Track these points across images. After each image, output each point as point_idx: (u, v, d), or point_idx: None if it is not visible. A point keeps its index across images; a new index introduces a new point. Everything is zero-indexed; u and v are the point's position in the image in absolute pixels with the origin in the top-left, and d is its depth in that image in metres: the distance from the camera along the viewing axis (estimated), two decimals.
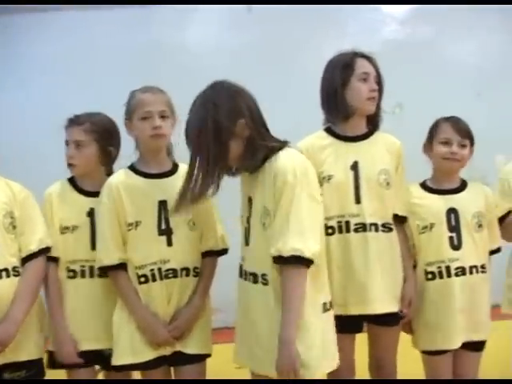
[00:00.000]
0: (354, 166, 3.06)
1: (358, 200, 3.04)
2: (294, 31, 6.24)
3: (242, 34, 6.28)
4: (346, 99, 3.08)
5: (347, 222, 3.04)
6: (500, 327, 3.47)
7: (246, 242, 2.72)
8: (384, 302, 3.07)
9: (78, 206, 3.12)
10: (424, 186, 3.27)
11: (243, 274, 2.74)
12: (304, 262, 2.52)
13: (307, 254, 2.50)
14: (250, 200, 2.70)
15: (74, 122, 3.13)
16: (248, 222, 2.71)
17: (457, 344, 3.13)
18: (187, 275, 2.97)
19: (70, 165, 3.14)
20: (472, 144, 3.22)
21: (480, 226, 3.17)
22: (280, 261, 2.53)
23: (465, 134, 3.17)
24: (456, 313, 3.10)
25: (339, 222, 3.04)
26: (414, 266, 3.23)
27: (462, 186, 3.26)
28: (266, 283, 2.62)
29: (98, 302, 3.10)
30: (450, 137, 3.16)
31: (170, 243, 2.93)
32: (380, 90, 3.16)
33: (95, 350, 3.10)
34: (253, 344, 2.68)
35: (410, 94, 6.24)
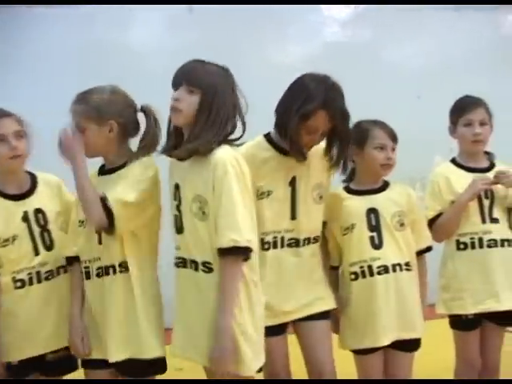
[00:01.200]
0: (292, 182, 3.03)
1: (293, 216, 3.04)
2: (236, 32, 6.24)
3: (183, 34, 6.26)
4: None
5: (282, 238, 3.04)
6: (441, 325, 3.54)
7: (179, 230, 2.71)
8: (315, 304, 3.09)
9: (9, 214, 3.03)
10: (348, 189, 3.31)
11: (181, 262, 2.72)
12: (241, 251, 2.54)
13: (244, 243, 2.52)
14: (177, 187, 2.71)
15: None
16: (178, 209, 2.70)
17: (383, 342, 3.13)
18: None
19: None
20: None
21: (402, 224, 3.18)
22: (221, 252, 2.54)
23: (395, 137, 3.22)
24: (381, 311, 3.11)
25: (275, 238, 3.03)
26: (334, 267, 3.28)
27: (384, 186, 3.27)
28: (208, 271, 2.61)
29: (51, 304, 3.03)
30: (385, 142, 3.20)
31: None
32: None
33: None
34: (191, 333, 2.67)
35: (351, 96, 6.29)
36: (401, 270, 3.16)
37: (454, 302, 3.36)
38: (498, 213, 3.39)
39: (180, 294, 2.75)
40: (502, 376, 3.50)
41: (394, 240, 3.16)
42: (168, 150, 2.75)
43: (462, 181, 3.39)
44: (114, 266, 2.82)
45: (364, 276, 3.14)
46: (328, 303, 3.13)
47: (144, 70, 5.72)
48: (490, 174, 3.40)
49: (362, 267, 3.15)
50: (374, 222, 3.17)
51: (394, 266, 3.14)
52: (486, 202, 3.39)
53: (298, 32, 6.47)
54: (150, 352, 2.81)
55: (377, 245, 3.15)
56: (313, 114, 2.87)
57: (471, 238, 3.36)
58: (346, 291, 3.21)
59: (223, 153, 2.60)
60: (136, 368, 2.82)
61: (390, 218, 3.17)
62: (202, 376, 2.77)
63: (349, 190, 3.29)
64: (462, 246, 3.37)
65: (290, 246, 3.03)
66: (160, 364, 2.86)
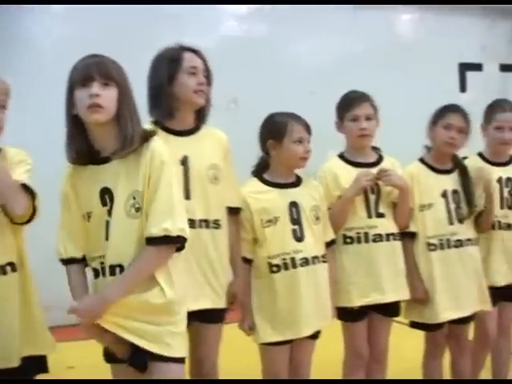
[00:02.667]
0: (184, 161, 3.01)
1: (187, 196, 2.99)
2: (131, 28, 6.15)
3: (84, 30, 6.11)
4: (174, 93, 3.02)
5: None
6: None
7: (106, 237, 2.52)
8: (208, 299, 3.05)
9: None
10: (263, 180, 3.32)
11: (104, 271, 2.52)
12: (173, 240, 2.46)
13: (175, 232, 2.44)
14: (106, 191, 2.52)
15: None
16: (109, 214, 2.52)
17: (306, 333, 3.19)
18: None
19: None
20: None
21: (317, 218, 3.28)
22: (150, 242, 2.45)
23: (309, 130, 3.28)
24: (302, 302, 3.16)
25: None
26: (247, 260, 3.26)
27: (298, 181, 3.34)
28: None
29: None
30: (303, 135, 3.24)
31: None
32: (209, 84, 3.15)
33: None
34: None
35: (246, 90, 6.34)
36: (319, 261, 3.23)
37: (340, 294, 3.42)
38: (383, 208, 3.46)
39: None
40: (391, 366, 3.59)
41: (313, 233, 3.23)
42: (89, 156, 2.56)
43: (349, 176, 3.43)
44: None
45: (287, 268, 3.17)
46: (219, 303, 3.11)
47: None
48: (376, 170, 3.46)
49: (284, 259, 3.18)
50: (295, 216, 3.21)
51: (313, 258, 3.20)
52: (372, 198, 3.45)
53: (194, 27, 6.44)
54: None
55: (299, 237, 3.20)
56: (180, 56, 3.04)
57: (357, 233, 3.42)
58: (265, 283, 3.22)
59: (156, 143, 2.53)
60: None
61: (308, 211, 3.24)
62: (93, 374, 2.71)
63: (265, 182, 3.31)
64: (348, 241, 3.43)
65: None
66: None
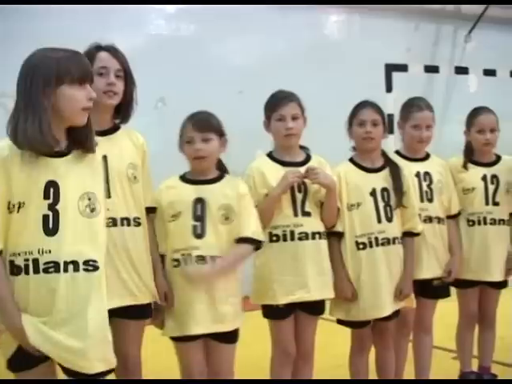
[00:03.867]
0: (103, 161, 2.93)
1: (108, 194, 2.97)
2: (57, 26, 6.05)
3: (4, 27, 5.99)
4: None
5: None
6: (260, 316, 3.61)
7: (54, 232, 2.42)
8: (129, 296, 3.05)
9: None
10: (182, 176, 3.33)
11: (36, 268, 2.40)
12: None
13: None
14: (51, 185, 2.44)
15: None
16: (50, 209, 2.43)
17: (196, 331, 3.16)
18: None
19: None
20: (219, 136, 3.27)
21: (227, 218, 3.24)
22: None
23: (202, 128, 3.20)
24: (196, 300, 3.15)
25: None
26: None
27: (218, 177, 3.31)
28: (93, 269, 2.45)
29: None
30: (192, 135, 3.20)
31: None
32: (128, 84, 3.10)
33: None
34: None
35: (174, 89, 6.32)
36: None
37: (266, 292, 3.44)
38: (310, 206, 3.48)
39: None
40: (318, 362, 3.63)
41: (216, 232, 3.20)
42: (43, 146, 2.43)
43: (277, 174, 3.45)
44: None
45: (185, 263, 3.17)
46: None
47: None
48: (303, 169, 3.49)
49: (183, 255, 3.18)
50: (199, 212, 3.20)
51: (212, 257, 3.17)
52: (299, 196, 3.47)
53: (121, 25, 6.39)
54: None
55: (198, 234, 3.18)
56: (93, 56, 3.06)
57: (283, 231, 3.43)
58: (171, 279, 3.22)
59: None
60: None
61: (215, 209, 3.21)
62: None
63: (181, 177, 3.32)
64: (274, 238, 3.44)
65: (107, 225, 2.84)
66: None
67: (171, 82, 6.28)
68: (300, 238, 3.42)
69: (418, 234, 3.71)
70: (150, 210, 3.22)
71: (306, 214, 3.47)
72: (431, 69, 8.39)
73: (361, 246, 3.56)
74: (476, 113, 4.13)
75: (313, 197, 3.49)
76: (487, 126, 4.05)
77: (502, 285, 4.15)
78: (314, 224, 3.47)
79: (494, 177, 4.08)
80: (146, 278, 3.12)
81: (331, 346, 3.58)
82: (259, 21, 7.08)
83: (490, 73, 8.78)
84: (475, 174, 4.09)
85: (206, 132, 3.21)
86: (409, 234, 3.68)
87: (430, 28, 8.43)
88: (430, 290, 3.85)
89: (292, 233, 3.43)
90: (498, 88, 8.72)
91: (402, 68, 8.07)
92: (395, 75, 8.00)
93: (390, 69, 7.99)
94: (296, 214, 3.45)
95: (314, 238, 3.45)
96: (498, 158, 4.16)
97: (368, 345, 3.76)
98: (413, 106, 3.93)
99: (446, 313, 4.20)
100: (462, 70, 8.63)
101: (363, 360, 3.75)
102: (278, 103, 3.49)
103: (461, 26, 8.67)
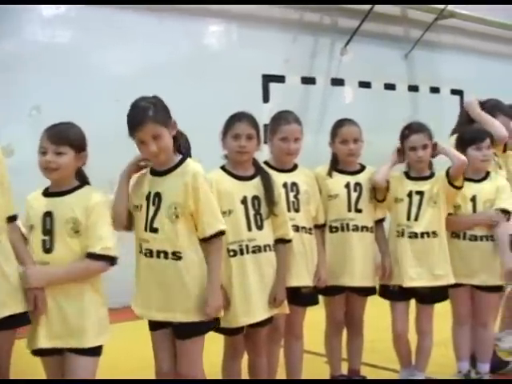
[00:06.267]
0: None
1: None
2: None
3: None
4: None
5: None
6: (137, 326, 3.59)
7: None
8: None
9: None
10: (45, 190, 3.28)
11: None
12: None
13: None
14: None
15: None
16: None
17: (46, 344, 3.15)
18: None
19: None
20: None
21: (77, 232, 3.17)
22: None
23: (53, 140, 3.18)
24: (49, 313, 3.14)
25: None
26: None
27: (73, 189, 3.24)
28: None
29: None
30: (47, 147, 3.15)
31: None
32: None
33: None
34: None
35: (50, 97, 6.21)
36: None
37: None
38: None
39: None
40: None
41: (67, 246, 3.17)
42: None
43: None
44: None
45: None
46: None
47: None
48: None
49: None
50: (48, 226, 3.18)
51: None
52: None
53: None
54: None
55: (47, 249, 3.16)
56: None
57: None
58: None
59: None
60: None
61: (63, 223, 3.17)
62: None
63: (44, 190, 3.31)
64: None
65: None
66: None
67: (47, 89, 6.17)
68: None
69: (289, 241, 3.79)
70: (11, 219, 3.17)
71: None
72: (308, 80, 8.61)
73: (231, 254, 3.61)
74: (339, 124, 4.27)
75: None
76: (350, 137, 4.19)
77: (369, 291, 4.29)
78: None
79: (358, 185, 4.22)
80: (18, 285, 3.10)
81: (206, 354, 3.62)
82: (138, 29, 7.06)
83: (365, 85, 9.12)
84: (339, 181, 4.22)
85: (60, 145, 3.17)
86: (281, 241, 3.76)
87: (307, 40, 8.64)
88: (299, 298, 3.94)
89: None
90: (372, 100, 9.06)
91: (280, 79, 8.24)
92: (272, 86, 8.15)
93: (268, 79, 8.13)
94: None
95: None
96: (363, 168, 4.31)
97: (241, 351, 3.82)
98: (281, 119, 4.03)
99: (319, 318, 4.33)
100: (337, 82, 8.91)
101: (236, 366, 3.81)
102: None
103: (337, 39, 8.96)
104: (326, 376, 4.38)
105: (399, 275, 4.22)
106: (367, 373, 4.46)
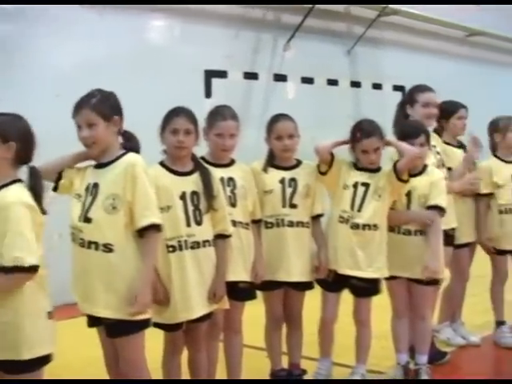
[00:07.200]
0: None
1: None
2: None
3: None
4: None
5: None
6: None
7: None
8: None
9: None
10: None
11: None
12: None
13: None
14: None
15: None
16: None
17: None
18: None
19: None
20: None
21: None
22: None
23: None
24: None
25: None
26: None
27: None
28: None
29: None
30: None
31: None
32: None
33: None
34: None
35: None
36: None
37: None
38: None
39: None
40: None
41: None
42: None
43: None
44: None
45: None
46: None
47: None
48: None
49: None
50: None
51: None
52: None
53: None
54: None
55: None
56: None
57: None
58: None
59: None
60: None
61: None
62: None
63: None
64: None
65: None
66: None
67: None
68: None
69: (229, 236, 3.80)
70: None
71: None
72: (251, 76, 8.60)
73: (170, 249, 3.61)
74: (274, 120, 4.29)
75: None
76: (285, 133, 4.20)
77: (307, 286, 4.32)
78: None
79: (293, 180, 4.23)
80: None
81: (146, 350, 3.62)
82: (79, 24, 6.95)
83: (307, 81, 9.16)
84: (274, 176, 4.23)
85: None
86: (220, 237, 3.77)
87: (250, 36, 8.63)
88: (236, 292, 3.94)
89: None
90: (315, 95, 9.11)
91: (222, 74, 8.20)
92: (215, 81, 8.12)
93: (210, 75, 8.09)
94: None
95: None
96: (299, 163, 4.32)
97: (180, 347, 3.82)
98: (217, 114, 4.03)
99: (260, 313, 4.36)
100: (280, 78, 8.92)
101: (175, 362, 3.81)
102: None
103: (280, 35, 8.96)
104: (267, 370, 4.40)
105: (336, 261, 4.27)
106: (308, 366, 4.49)
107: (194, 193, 3.70)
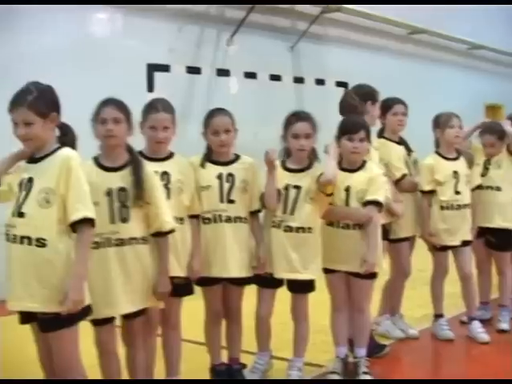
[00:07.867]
0: None
1: None
2: None
3: None
4: None
5: None
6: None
7: None
8: None
9: None
10: None
11: None
12: None
13: None
14: None
15: None
16: None
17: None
18: None
19: None
20: None
21: None
22: None
23: None
24: None
25: None
26: None
27: None
28: None
29: None
30: None
31: None
32: None
33: None
34: None
35: None
36: None
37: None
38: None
39: None
40: None
41: None
42: None
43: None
44: None
45: None
46: None
47: None
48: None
49: None
50: None
51: None
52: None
53: None
54: None
55: None
56: None
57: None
58: None
59: None
60: None
61: None
62: None
63: None
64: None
65: None
66: None
67: None
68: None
69: (168, 233, 3.74)
70: None
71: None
72: (193, 70, 8.59)
73: (94, 246, 3.53)
74: (211, 115, 4.27)
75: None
76: (221, 128, 4.18)
77: (246, 281, 4.31)
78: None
79: (230, 175, 4.21)
80: None
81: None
82: (22, 15, 6.85)
83: (250, 75, 9.17)
84: (211, 171, 4.21)
85: None
86: (158, 235, 3.72)
87: (193, 30, 8.62)
88: (173, 288, 3.85)
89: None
90: (258, 91, 9.13)
91: (164, 68, 8.16)
92: (157, 75, 8.07)
93: (152, 69, 8.04)
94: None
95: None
96: (237, 158, 4.30)
97: (112, 344, 3.72)
98: (151, 107, 4.02)
99: (200, 308, 4.35)
100: (223, 73, 8.93)
101: (113, 361, 3.73)
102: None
103: (224, 30, 8.97)
104: (207, 365, 4.39)
105: (271, 265, 4.27)
106: (247, 360, 4.50)
107: (121, 189, 3.64)
